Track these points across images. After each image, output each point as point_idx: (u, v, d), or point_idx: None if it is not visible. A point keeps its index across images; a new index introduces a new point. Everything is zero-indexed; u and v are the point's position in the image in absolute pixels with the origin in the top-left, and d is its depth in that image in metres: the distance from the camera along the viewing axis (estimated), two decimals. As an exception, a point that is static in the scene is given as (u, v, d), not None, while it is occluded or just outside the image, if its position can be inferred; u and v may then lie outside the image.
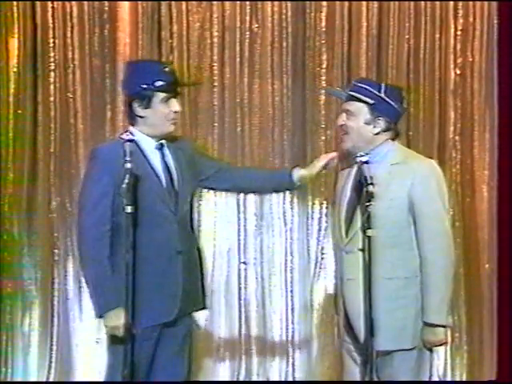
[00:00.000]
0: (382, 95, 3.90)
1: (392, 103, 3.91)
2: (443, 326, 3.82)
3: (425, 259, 3.79)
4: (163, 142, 4.00)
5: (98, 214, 3.87)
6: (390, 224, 3.79)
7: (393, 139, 3.95)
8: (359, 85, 3.96)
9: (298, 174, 4.18)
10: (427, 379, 3.91)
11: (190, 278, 4.00)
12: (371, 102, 3.87)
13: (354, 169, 3.93)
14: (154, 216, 3.89)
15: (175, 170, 4.00)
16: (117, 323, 3.80)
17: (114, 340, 3.89)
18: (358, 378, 3.86)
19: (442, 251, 3.81)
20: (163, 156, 3.99)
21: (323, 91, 5.76)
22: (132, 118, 3.99)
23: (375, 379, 3.66)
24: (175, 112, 3.97)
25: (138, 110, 3.95)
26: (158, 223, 3.89)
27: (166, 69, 4.01)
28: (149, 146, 3.97)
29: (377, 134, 3.90)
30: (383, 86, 3.95)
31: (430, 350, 3.87)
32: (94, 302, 3.94)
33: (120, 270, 3.79)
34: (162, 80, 3.93)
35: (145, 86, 3.92)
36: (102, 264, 3.86)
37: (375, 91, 3.90)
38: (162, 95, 3.92)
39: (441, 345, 3.90)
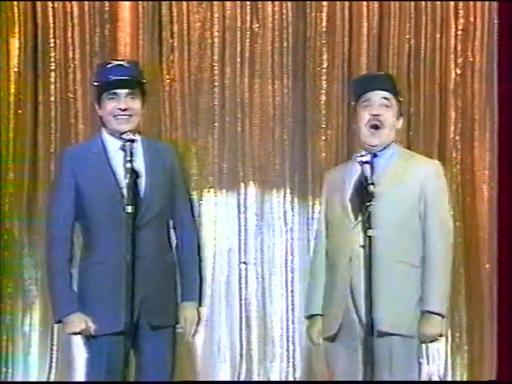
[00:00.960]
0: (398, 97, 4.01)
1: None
2: (442, 316, 3.85)
3: (430, 247, 3.84)
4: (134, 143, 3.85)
5: (61, 217, 3.87)
6: (399, 216, 3.84)
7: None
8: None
9: (189, 304, 3.99)
10: (417, 369, 3.92)
11: (155, 286, 3.85)
12: (401, 98, 3.97)
13: (355, 167, 3.94)
14: (107, 218, 3.79)
15: (144, 173, 3.86)
16: (76, 329, 3.81)
17: (88, 338, 3.86)
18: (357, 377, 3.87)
19: (447, 241, 3.88)
20: (126, 157, 3.80)
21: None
22: (99, 119, 3.98)
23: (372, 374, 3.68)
24: (123, 109, 3.85)
25: (97, 110, 3.95)
26: (114, 226, 3.75)
27: (109, 65, 3.94)
28: (113, 146, 3.87)
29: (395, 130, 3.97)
30: None
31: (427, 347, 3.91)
32: (52, 306, 3.92)
33: (97, 272, 3.81)
34: (103, 77, 3.90)
35: (95, 84, 3.94)
36: (63, 268, 3.83)
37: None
38: (106, 92, 3.87)
39: (437, 338, 3.92)
